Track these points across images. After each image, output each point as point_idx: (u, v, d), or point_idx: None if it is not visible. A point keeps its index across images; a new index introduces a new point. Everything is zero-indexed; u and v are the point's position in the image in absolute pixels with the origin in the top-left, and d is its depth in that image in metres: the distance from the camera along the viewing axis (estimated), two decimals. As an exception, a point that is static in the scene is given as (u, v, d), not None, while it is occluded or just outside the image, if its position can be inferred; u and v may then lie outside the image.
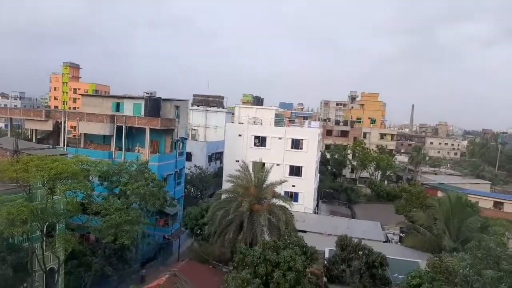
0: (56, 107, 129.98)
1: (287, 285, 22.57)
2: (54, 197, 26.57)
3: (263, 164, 42.67)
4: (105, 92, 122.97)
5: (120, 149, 43.59)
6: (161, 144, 45.83)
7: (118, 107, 48.02)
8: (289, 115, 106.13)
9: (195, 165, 61.03)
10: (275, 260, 24.00)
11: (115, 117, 43.64)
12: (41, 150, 31.56)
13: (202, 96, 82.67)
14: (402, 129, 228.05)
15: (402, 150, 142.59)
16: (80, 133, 45.81)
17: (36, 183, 25.45)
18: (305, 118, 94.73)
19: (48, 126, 45.28)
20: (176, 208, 44.68)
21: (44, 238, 27.27)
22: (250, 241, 31.20)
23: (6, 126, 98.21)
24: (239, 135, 54.12)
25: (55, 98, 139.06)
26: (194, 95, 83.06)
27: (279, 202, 34.61)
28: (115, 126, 43.30)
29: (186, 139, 52.65)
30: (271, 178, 36.06)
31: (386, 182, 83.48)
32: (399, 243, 43.28)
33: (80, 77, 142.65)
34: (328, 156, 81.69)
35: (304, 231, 38.50)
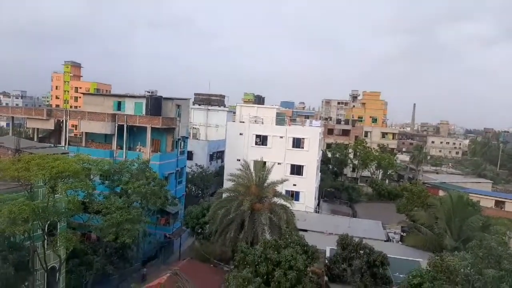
0: (57, 106, 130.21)
1: (288, 284, 22.57)
2: (55, 196, 26.62)
3: (264, 163, 42.63)
4: (107, 91, 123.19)
5: (122, 148, 43.63)
6: (162, 143, 45.86)
7: (119, 106, 48.04)
8: (290, 114, 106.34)
9: (196, 164, 61.05)
10: (276, 259, 24.00)
11: (117, 116, 43.66)
12: (42, 149, 31.62)
13: (204, 95, 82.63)
14: (403, 128, 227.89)
15: (404, 149, 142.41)
16: (82, 132, 45.83)
17: (38, 182, 25.48)
18: (307, 117, 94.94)
19: (50, 125, 45.35)
20: (177, 207, 44.70)
21: (46, 237, 27.31)
22: (251, 240, 31.20)
23: (7, 125, 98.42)
24: (240, 134, 54.11)
25: (57, 97, 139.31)
26: (195, 94, 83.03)
27: (280, 201, 34.58)
28: (116, 125, 43.32)
29: (187, 138, 52.66)
30: (272, 177, 36.03)
31: (387, 181, 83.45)
32: (400, 242, 43.21)
33: (82, 76, 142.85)
34: (329, 155, 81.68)
35: (305, 230, 38.50)
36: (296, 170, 52.49)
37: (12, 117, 49.37)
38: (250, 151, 52.36)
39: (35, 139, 46.19)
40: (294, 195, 50.11)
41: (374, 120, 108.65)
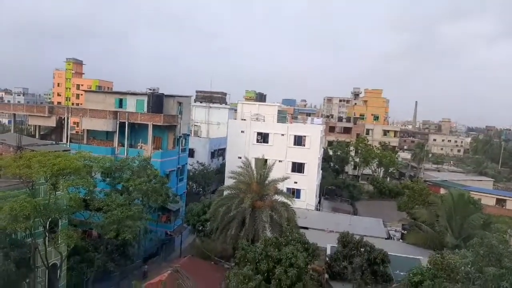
0: (59, 103, 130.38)
1: (288, 281, 22.61)
2: (56, 193, 26.67)
3: (266, 160, 42.68)
4: (108, 88, 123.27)
5: (123, 145, 43.65)
6: (163, 140, 45.90)
7: (121, 103, 48.04)
8: (292, 112, 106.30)
9: (197, 162, 61.14)
10: (276, 256, 24.04)
11: (118, 113, 43.69)
12: (44, 146, 31.67)
13: (205, 92, 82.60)
14: (405, 126, 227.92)
15: (405, 147, 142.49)
16: (83, 129, 45.86)
17: (39, 179, 25.54)
18: (308, 114, 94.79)
19: (51, 122, 45.41)
20: (178, 204, 44.74)
21: (47, 234, 27.40)
22: (252, 238, 31.29)
23: (9, 122, 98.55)
24: (241, 132, 54.13)
25: (58, 94, 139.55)
26: (197, 91, 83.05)
27: (281, 199, 34.64)
28: (118, 122, 43.35)
29: (188, 135, 52.67)
30: (274, 174, 36.10)
31: (388, 179, 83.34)
32: (401, 240, 43.24)
33: (83, 73, 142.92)
34: (330, 152, 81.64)
35: (306, 228, 38.53)
36: (297, 167, 52.50)
37: (14, 114, 49.48)
38: (251, 148, 52.38)
39: (37, 136, 46.27)
40: (295, 193, 50.07)
41: (376, 118, 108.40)
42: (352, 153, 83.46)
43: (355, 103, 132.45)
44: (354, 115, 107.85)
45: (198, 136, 71.51)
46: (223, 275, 27.10)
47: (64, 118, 45.12)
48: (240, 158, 43.31)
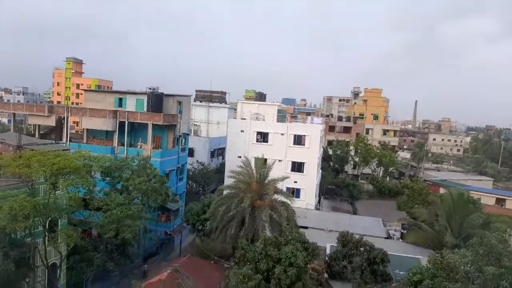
0: (59, 102, 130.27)
1: (288, 281, 22.62)
2: (56, 192, 26.67)
3: (265, 160, 42.69)
4: (108, 87, 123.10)
5: (123, 145, 43.63)
6: (163, 139, 45.89)
7: (120, 102, 48.03)
8: (291, 111, 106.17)
9: (197, 161, 61.13)
10: (276, 256, 24.05)
11: (118, 113, 43.67)
12: (43, 146, 31.67)
13: (205, 91, 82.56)
14: (405, 125, 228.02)
15: (405, 146, 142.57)
16: (83, 129, 45.84)
17: (39, 178, 25.53)
18: (308, 114, 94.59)
19: (51, 122, 45.40)
20: (178, 203, 44.74)
21: (47, 234, 27.39)
22: (251, 237, 31.30)
23: (9, 121, 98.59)
24: (241, 131, 54.13)
25: (58, 94, 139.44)
26: (196, 91, 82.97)
27: (281, 198, 34.64)
28: (117, 121, 43.33)
29: (188, 134, 52.65)
30: (273, 174, 36.11)
31: (388, 178, 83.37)
32: (400, 240, 43.27)
33: (83, 73, 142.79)
34: (330, 152, 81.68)
35: (306, 227, 38.55)
36: (297, 167, 52.51)
37: (14, 114, 49.47)
38: (251, 148, 52.37)
39: (37, 135, 46.24)
40: (294, 192, 50.11)
41: (376, 117, 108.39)
42: (352, 153, 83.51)
43: (355, 103, 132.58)
44: (354, 114, 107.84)
45: (198, 136, 71.49)
46: (223, 274, 27.11)
47: (64, 117, 45.09)
48: (240, 157, 43.29)
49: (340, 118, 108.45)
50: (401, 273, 28.50)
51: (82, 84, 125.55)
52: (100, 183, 33.59)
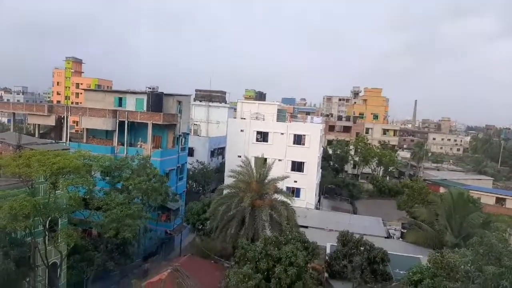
0: (58, 102, 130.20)
1: (288, 280, 22.62)
2: (56, 192, 26.65)
3: (265, 159, 42.70)
4: (108, 87, 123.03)
5: (123, 144, 43.64)
6: (163, 139, 45.89)
7: (120, 102, 48.04)
8: (291, 111, 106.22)
9: (197, 160, 61.13)
10: (276, 255, 24.05)
11: (118, 112, 43.66)
12: (43, 145, 31.65)
13: (205, 91, 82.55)
14: (405, 125, 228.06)
15: (405, 146, 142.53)
16: (83, 128, 45.83)
17: (39, 178, 25.51)
18: (308, 113, 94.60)
19: (51, 121, 45.39)
20: (178, 203, 44.74)
21: (47, 233, 27.37)
22: (251, 237, 31.29)
23: (9, 120, 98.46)
24: (241, 131, 54.12)
25: (58, 93, 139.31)
26: (196, 90, 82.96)
27: (281, 198, 34.65)
28: (117, 121, 43.32)
29: (188, 134, 52.64)
30: (273, 173, 36.12)
31: (388, 177, 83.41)
32: (400, 239, 43.29)
33: (83, 72, 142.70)
34: (330, 151, 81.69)
35: (306, 227, 38.55)
36: (297, 166, 52.51)
37: (13, 113, 49.42)
38: (251, 147, 52.37)
39: (36, 135, 46.23)
40: (294, 192, 50.14)
41: (375, 117, 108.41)
42: (352, 152, 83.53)
43: (355, 102, 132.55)
44: (354, 114, 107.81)
45: (198, 135, 71.50)
46: (223, 274, 27.10)
47: (64, 117, 45.07)
48: (240, 157, 43.30)
49: (340, 118, 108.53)
50: (401, 272, 28.52)
51: (81, 84, 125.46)
52: (100, 183, 33.57)
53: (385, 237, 42.05)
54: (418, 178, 75.81)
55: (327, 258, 31.73)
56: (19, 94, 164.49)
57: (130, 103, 47.44)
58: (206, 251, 36.59)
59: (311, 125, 54.96)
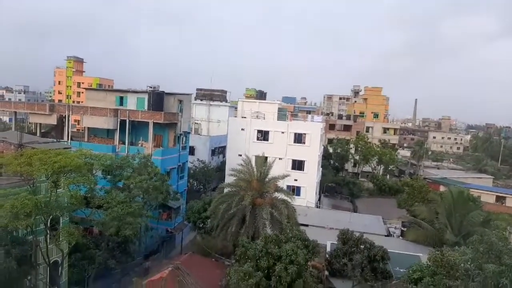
0: (60, 101, 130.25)
1: (288, 278, 22.68)
2: (57, 190, 26.75)
3: (266, 158, 42.70)
4: (109, 86, 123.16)
5: (124, 143, 43.75)
6: (164, 138, 46.00)
7: (121, 101, 48.17)
8: (292, 109, 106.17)
9: (198, 159, 61.23)
10: (277, 253, 24.11)
11: (119, 111, 43.75)
12: (45, 144, 31.75)
13: (205, 90, 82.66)
14: (405, 124, 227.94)
15: (405, 145, 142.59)
16: (84, 127, 45.97)
17: (40, 176, 25.61)
18: (308, 112, 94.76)
19: (52, 120, 45.47)
20: (179, 201, 44.86)
21: (48, 231, 27.50)
22: (252, 235, 31.34)
23: (10, 120, 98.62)
24: (242, 129, 54.17)
25: (59, 92, 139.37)
26: (197, 89, 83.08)
27: (281, 196, 34.70)
28: (118, 120, 43.41)
29: (189, 133, 52.74)
30: (274, 172, 36.15)
31: (388, 176, 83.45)
32: (400, 237, 43.34)
33: (84, 71, 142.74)
34: (330, 150, 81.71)
35: (306, 225, 38.60)
36: (298, 165, 52.57)
37: (15, 112, 49.52)
38: (251, 146, 52.43)
39: (38, 134, 46.34)
40: (295, 190, 50.18)
41: (376, 116, 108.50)
42: (352, 151, 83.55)
43: (355, 101, 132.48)
44: (354, 112, 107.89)
45: (199, 134, 71.58)
46: (224, 272, 27.16)
47: (65, 116, 45.19)
48: (241, 155, 43.34)
49: (340, 117, 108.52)
50: (401, 270, 28.57)
51: (83, 83, 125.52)
52: (101, 181, 33.69)
53: (385, 236, 42.10)
54: (418, 177, 75.91)
55: (327, 256, 31.79)
56: (20, 93, 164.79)
57: (131, 102, 47.55)
58: (207, 249, 36.66)
59: (311, 124, 55.01)
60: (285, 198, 34.47)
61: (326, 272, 30.78)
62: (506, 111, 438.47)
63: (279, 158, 49.95)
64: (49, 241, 27.71)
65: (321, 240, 30.97)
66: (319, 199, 59.39)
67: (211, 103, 78.80)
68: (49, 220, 27.02)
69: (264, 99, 77.43)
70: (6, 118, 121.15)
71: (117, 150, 43.19)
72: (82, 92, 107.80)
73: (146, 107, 45.65)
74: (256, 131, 53.78)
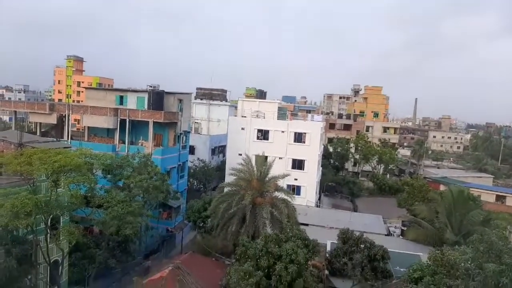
0: (60, 100, 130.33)
1: (289, 277, 22.68)
2: (58, 189, 26.73)
3: (266, 157, 42.70)
4: (109, 85, 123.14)
5: (124, 142, 43.73)
6: (164, 137, 45.99)
7: (121, 100, 48.13)
8: (292, 109, 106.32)
9: (198, 159, 61.22)
10: (277, 253, 24.11)
11: (119, 110, 43.73)
12: (45, 143, 31.72)
13: (205, 89, 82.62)
14: (405, 123, 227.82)
15: (405, 144, 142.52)
16: (84, 126, 45.96)
17: (40, 176, 25.59)
18: (308, 111, 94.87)
19: (52, 119, 45.46)
20: (179, 201, 44.88)
21: (48, 231, 27.50)
22: (252, 234, 31.36)
23: (10, 119, 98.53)
24: (242, 129, 54.14)
25: (59, 91, 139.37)
26: (197, 88, 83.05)
27: (282, 196, 34.71)
28: (118, 119, 43.39)
29: (189, 132, 52.72)
30: (274, 171, 36.15)
31: (388, 175, 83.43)
32: (401, 237, 43.36)
33: (84, 70, 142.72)
34: (330, 149, 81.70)
35: (306, 224, 38.64)
36: (298, 164, 52.56)
37: (15, 112, 49.47)
38: (251, 145, 52.41)
39: (38, 133, 46.31)
40: (295, 190, 50.17)
41: (376, 115, 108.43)
42: (352, 150, 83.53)
43: (355, 100, 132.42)
44: (354, 112, 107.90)
45: (199, 133, 71.54)
46: (224, 271, 27.17)
47: (65, 115, 45.19)
48: (241, 155, 43.34)
49: (340, 116, 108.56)
50: (402, 270, 28.56)
51: (83, 82, 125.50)
52: (101, 181, 33.63)
53: (386, 235, 42.11)
54: (418, 176, 75.99)
55: (327, 255, 31.78)
56: (20, 92, 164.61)
57: (131, 102, 47.51)
58: (207, 248, 36.67)
59: (311, 123, 55.01)
60: (285, 197, 34.48)
61: (326, 272, 30.78)
62: (506, 110, 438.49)
63: (279, 158, 49.96)
64: (50, 241, 27.69)
65: (321, 240, 30.98)
66: (319, 199, 59.40)
67: (211, 102, 78.80)
68: (49, 220, 27.03)
69: (264, 98, 77.29)
70: (6, 118, 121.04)
71: (117, 150, 43.18)
72: (82, 91, 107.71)
73: (146, 107, 45.63)
74: (256, 130, 53.76)
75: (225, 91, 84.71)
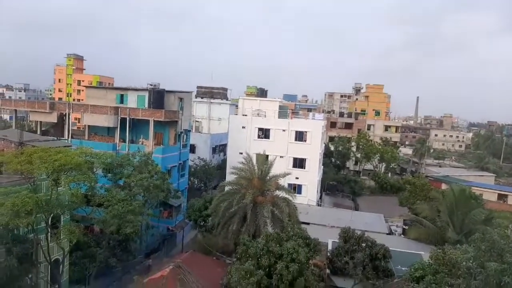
0: (60, 99, 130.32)
1: (290, 276, 22.63)
2: (58, 188, 26.69)
3: (267, 156, 42.65)
4: (109, 84, 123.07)
5: (124, 141, 43.70)
6: (165, 136, 45.94)
7: (122, 99, 48.07)
8: (293, 107, 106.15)
9: (198, 157, 61.19)
10: (278, 251, 24.05)
11: (119, 109, 43.70)
12: (45, 142, 31.67)
13: (206, 88, 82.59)
14: (406, 121, 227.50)
15: (407, 142, 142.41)
16: (85, 125, 45.92)
17: (41, 174, 25.55)
18: (309, 110, 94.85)
19: (53, 118, 45.44)
20: (180, 200, 44.83)
21: (49, 230, 27.45)
22: (253, 233, 31.33)
23: (11, 118, 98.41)
24: (242, 127, 54.05)
25: (60, 90, 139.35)
26: (198, 87, 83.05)
27: (283, 194, 34.64)
28: (119, 118, 43.36)
29: (189, 131, 52.67)
30: (275, 170, 36.09)
31: (390, 174, 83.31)
32: (402, 235, 43.23)
33: (84, 69, 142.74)
34: (332, 148, 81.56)
35: (307, 223, 38.57)
36: (299, 163, 52.45)
37: (15, 110, 49.51)
38: (252, 144, 52.33)
39: (38, 132, 46.30)
40: (296, 188, 50.10)
41: (377, 113, 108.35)
42: (354, 149, 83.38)
43: (357, 99, 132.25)
44: (356, 110, 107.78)
45: (199, 132, 71.55)
46: (225, 270, 27.15)
47: (65, 114, 45.17)
48: (241, 153, 43.26)
49: (341, 114, 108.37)
50: (403, 269, 28.49)
51: (83, 81, 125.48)
52: (101, 180, 33.59)
53: (387, 234, 42.00)
54: (420, 175, 75.72)
55: (328, 254, 31.69)
56: (21, 91, 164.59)
57: (132, 100, 47.45)
58: (208, 247, 36.65)
59: (312, 122, 54.90)
60: (286, 196, 34.42)
61: (328, 271, 30.71)
62: (506, 110, 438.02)
63: (280, 156, 49.86)
64: (50, 239, 27.65)
65: (322, 238, 30.86)
66: (321, 197, 59.32)
67: (212, 101, 78.75)
68: (50, 218, 26.98)
69: (265, 97, 77.55)
70: (6, 116, 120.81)
71: (117, 148, 43.15)
72: (83, 90, 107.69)
73: (146, 105, 45.58)
74: (257, 129, 53.66)
75: (226, 90, 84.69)
